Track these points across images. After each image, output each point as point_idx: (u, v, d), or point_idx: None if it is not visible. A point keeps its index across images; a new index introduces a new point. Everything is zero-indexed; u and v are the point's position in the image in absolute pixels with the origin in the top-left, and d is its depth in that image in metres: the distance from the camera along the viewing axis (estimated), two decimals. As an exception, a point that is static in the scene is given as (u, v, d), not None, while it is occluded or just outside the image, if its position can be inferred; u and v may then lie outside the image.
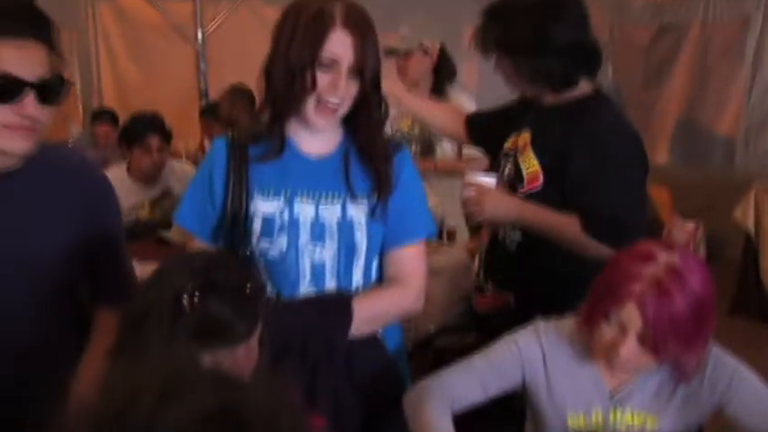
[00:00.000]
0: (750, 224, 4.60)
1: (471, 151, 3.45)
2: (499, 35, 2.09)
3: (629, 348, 1.48)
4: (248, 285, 1.29)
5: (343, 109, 1.59)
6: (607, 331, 1.51)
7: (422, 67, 3.51)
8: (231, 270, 1.29)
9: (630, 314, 1.46)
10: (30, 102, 1.37)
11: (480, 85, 5.55)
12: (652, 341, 1.46)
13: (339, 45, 1.52)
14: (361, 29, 1.54)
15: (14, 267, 1.49)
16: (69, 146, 4.66)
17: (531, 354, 1.66)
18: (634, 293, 1.45)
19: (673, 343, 1.46)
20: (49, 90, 1.41)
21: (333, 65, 1.53)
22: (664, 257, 1.47)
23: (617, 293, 1.47)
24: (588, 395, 1.64)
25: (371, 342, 1.66)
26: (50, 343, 1.57)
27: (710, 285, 1.49)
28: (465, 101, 3.54)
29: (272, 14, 6.00)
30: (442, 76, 3.53)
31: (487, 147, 2.43)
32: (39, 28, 1.39)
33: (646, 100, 6.13)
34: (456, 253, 2.67)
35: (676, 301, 1.43)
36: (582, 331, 1.60)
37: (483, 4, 2.16)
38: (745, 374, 1.57)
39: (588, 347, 1.61)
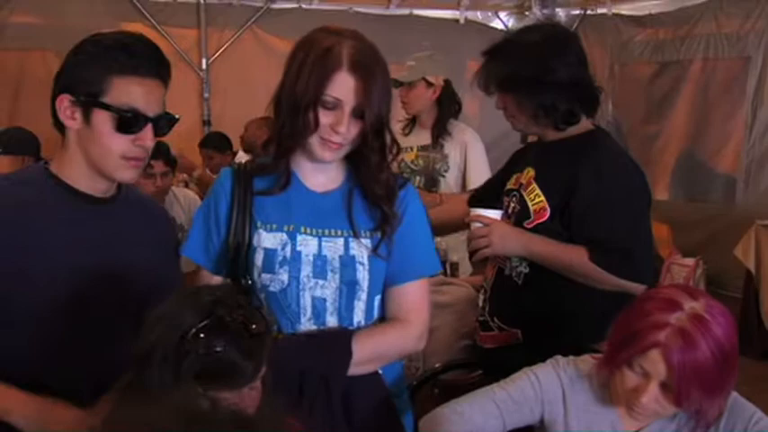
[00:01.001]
0: (751, 262, 4.60)
1: (476, 184, 3.46)
2: (504, 72, 2.11)
3: (652, 396, 1.47)
4: (254, 325, 1.27)
5: (348, 146, 1.59)
6: (629, 377, 1.50)
7: (424, 98, 3.53)
8: (238, 308, 1.27)
9: (655, 362, 1.44)
10: (148, 135, 1.53)
11: (481, 118, 5.59)
12: (675, 389, 1.45)
13: (343, 87, 1.52)
14: (368, 71, 1.52)
15: (109, 286, 1.56)
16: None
17: (551, 389, 1.64)
18: (659, 342, 1.43)
19: (696, 392, 1.44)
20: (162, 124, 1.58)
21: (336, 106, 1.53)
22: (689, 305, 1.46)
23: (641, 341, 1.45)
24: None
25: (370, 378, 1.63)
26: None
27: (735, 334, 1.47)
28: (469, 136, 3.56)
29: (276, 43, 6.04)
30: (446, 110, 3.55)
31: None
32: (162, 69, 1.55)
33: (646, 136, 6.16)
34: (462, 287, 2.66)
35: (701, 350, 1.42)
36: (601, 374, 1.59)
37: (486, 39, 2.18)
38: (763, 420, 1.54)
39: (607, 389, 1.60)
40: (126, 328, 1.61)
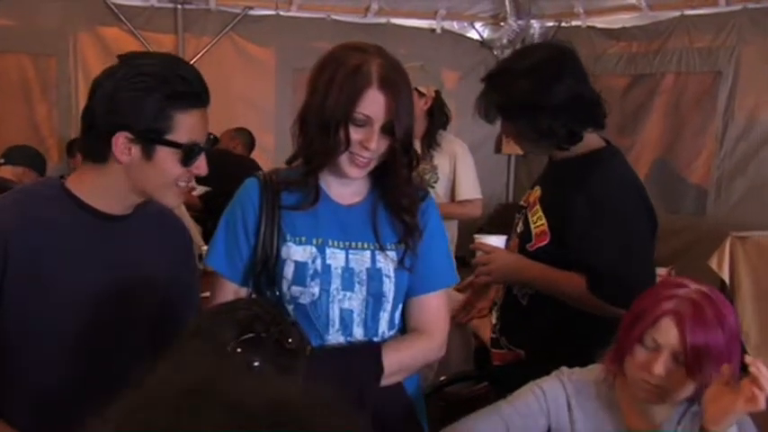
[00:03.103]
0: (725, 273, 4.68)
1: (465, 195, 3.49)
2: (500, 102, 2.12)
3: (664, 366, 1.51)
4: (290, 339, 1.28)
5: (375, 162, 1.62)
6: (640, 353, 1.54)
7: (417, 109, 3.54)
8: (275, 324, 1.28)
9: (667, 330, 1.51)
10: (203, 163, 1.53)
11: (458, 126, 5.60)
12: (688, 360, 1.49)
13: (373, 104, 1.55)
14: (397, 88, 1.56)
15: (125, 297, 1.57)
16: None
17: (555, 399, 1.68)
18: (671, 310, 1.50)
19: (707, 364, 1.49)
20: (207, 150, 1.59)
21: (366, 123, 1.56)
22: (694, 285, 1.54)
23: (652, 313, 1.52)
24: None
25: (393, 387, 1.66)
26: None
27: (737, 319, 1.55)
28: (458, 148, 3.60)
29: (254, 50, 6.01)
30: (436, 120, 3.58)
31: None
32: (207, 95, 1.53)
33: (620, 147, 6.23)
34: (453, 294, 2.67)
35: (709, 319, 1.49)
36: (610, 371, 1.63)
37: (461, 49, 2.21)
38: None
39: (614, 392, 1.64)
40: (142, 342, 1.62)
